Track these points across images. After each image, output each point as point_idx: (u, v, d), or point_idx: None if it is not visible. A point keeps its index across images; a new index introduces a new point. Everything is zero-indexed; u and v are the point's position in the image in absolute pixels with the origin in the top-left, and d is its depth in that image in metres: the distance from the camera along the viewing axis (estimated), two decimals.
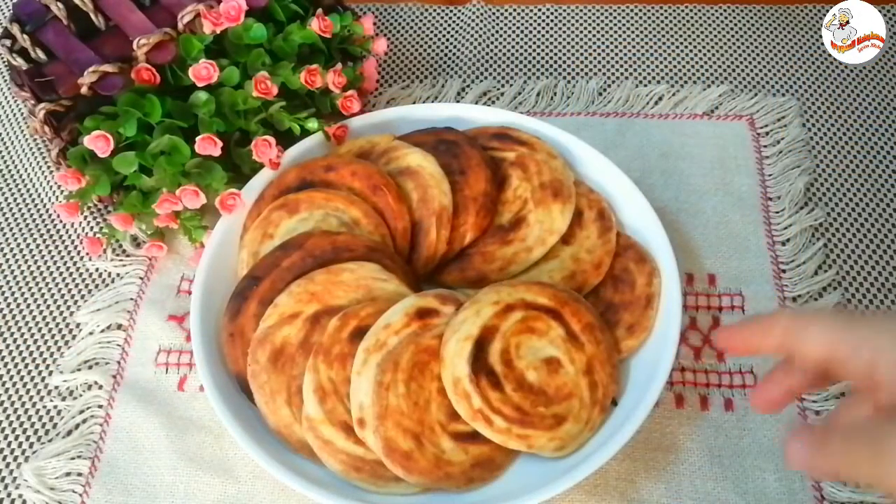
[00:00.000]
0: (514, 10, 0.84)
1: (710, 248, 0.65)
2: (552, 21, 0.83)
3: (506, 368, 0.53)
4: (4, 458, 0.59)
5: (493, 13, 0.84)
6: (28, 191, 0.73)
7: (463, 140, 0.64)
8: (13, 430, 0.60)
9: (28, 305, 0.66)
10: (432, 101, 0.76)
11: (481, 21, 0.83)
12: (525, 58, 0.80)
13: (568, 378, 0.53)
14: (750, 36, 0.81)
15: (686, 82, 0.77)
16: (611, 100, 0.76)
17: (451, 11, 0.84)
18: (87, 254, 0.68)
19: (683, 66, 0.79)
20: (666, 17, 0.83)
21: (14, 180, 0.73)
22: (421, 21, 0.84)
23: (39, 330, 0.65)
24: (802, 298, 0.63)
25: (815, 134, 0.73)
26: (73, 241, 0.69)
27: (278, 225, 0.61)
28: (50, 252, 0.69)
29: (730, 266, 0.65)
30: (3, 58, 0.79)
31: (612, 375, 0.55)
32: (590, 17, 0.83)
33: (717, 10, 0.83)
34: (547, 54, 0.80)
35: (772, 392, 0.41)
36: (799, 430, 0.37)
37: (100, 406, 0.61)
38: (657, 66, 0.79)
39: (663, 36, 0.81)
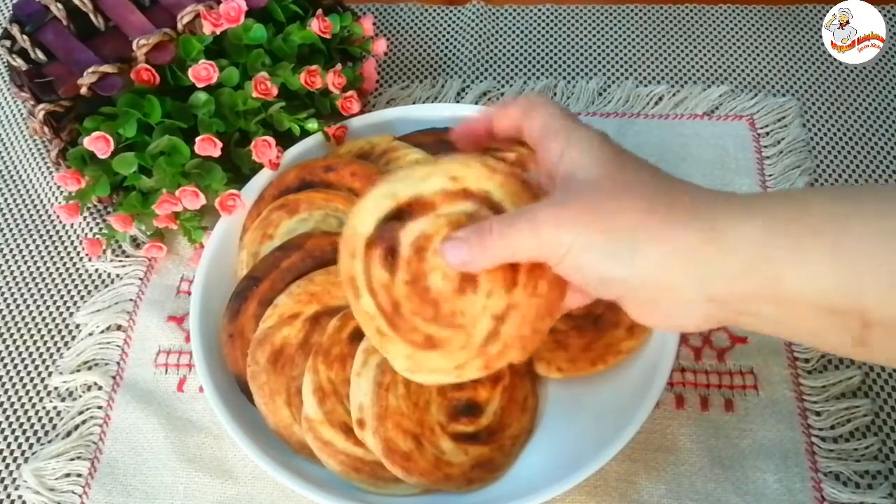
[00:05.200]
0: (514, 10, 0.84)
1: None
2: (552, 21, 0.83)
3: (413, 255, 0.43)
4: (4, 458, 0.59)
5: (493, 13, 0.84)
6: (28, 191, 0.73)
7: None
8: (13, 431, 0.60)
9: (28, 306, 0.66)
10: (432, 102, 0.76)
11: (481, 21, 0.83)
12: (525, 58, 0.80)
13: (473, 310, 0.42)
14: (750, 36, 0.80)
15: (686, 82, 0.77)
16: (611, 100, 0.76)
17: (451, 11, 0.84)
18: (87, 255, 0.68)
19: (683, 66, 0.79)
20: (666, 17, 0.82)
21: (14, 181, 0.73)
22: (421, 21, 0.84)
23: (39, 331, 0.65)
24: None
25: (815, 134, 0.73)
26: (72, 242, 0.69)
27: (278, 225, 0.60)
28: (49, 253, 0.69)
29: None
30: (2, 58, 0.79)
31: (525, 345, 0.43)
32: (590, 17, 0.83)
33: (717, 10, 0.83)
34: (547, 54, 0.80)
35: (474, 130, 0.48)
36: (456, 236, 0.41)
37: (99, 407, 0.61)
38: (657, 66, 0.79)
39: (663, 36, 0.81)
